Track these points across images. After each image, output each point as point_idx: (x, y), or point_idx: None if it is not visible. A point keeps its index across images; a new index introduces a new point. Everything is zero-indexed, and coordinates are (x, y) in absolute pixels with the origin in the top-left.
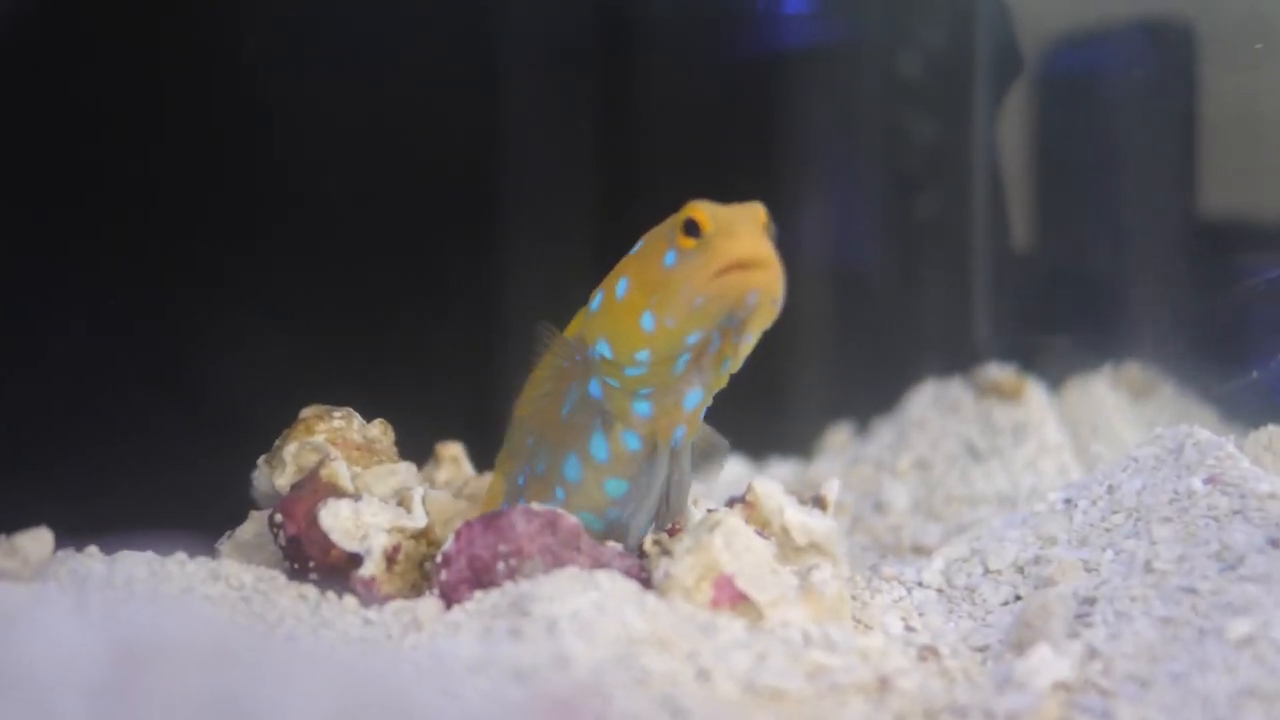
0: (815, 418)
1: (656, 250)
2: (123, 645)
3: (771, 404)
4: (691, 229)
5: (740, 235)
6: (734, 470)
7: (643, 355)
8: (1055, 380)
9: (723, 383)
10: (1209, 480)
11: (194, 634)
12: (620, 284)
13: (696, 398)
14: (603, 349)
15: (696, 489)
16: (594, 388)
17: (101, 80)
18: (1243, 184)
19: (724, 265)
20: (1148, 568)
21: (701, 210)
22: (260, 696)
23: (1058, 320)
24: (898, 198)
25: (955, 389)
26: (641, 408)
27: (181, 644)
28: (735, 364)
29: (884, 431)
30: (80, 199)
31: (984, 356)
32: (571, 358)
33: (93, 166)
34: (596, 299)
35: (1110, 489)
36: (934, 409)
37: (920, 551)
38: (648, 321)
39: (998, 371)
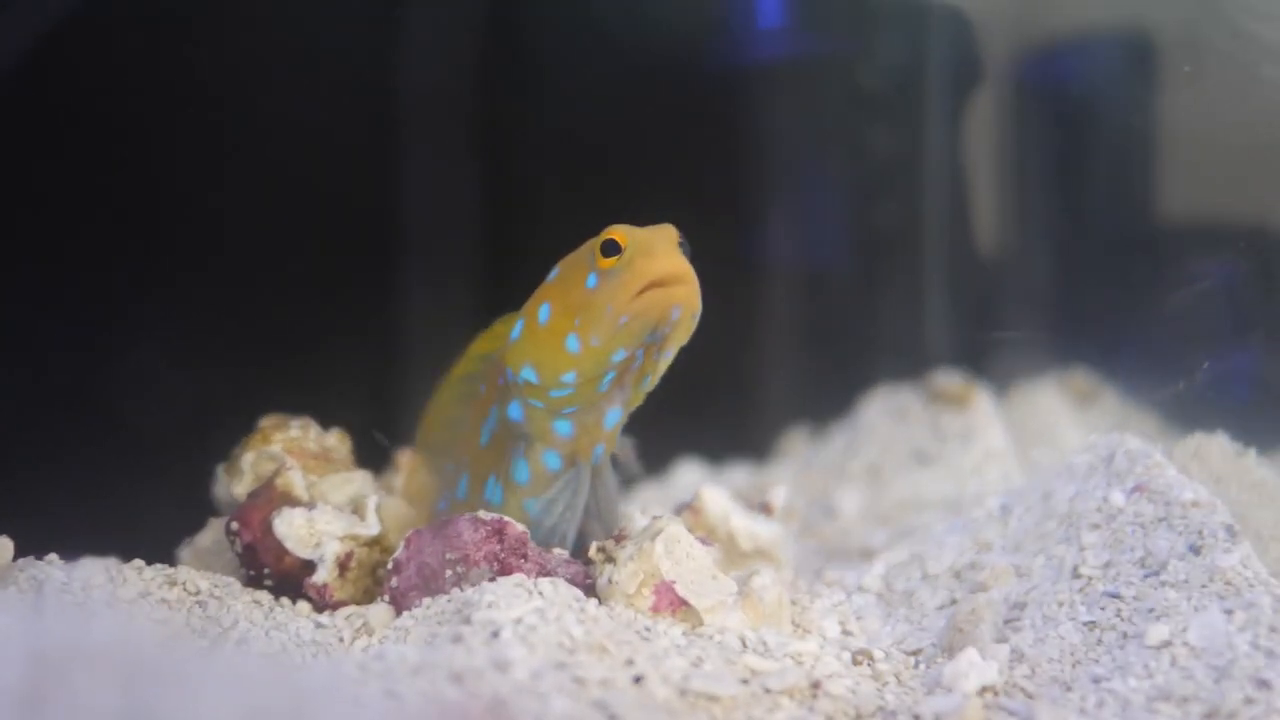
0: (773, 422)
1: (577, 275)
2: (41, 652)
3: (730, 408)
4: (609, 250)
5: (658, 254)
6: (691, 474)
7: (569, 377)
8: (1002, 386)
9: (640, 400)
10: (1137, 488)
11: (116, 640)
12: (542, 310)
13: (616, 416)
14: (528, 374)
15: (651, 494)
16: (514, 410)
17: (38, 94)
18: (1180, 194)
19: (646, 283)
20: (1075, 573)
21: (619, 232)
22: (172, 703)
23: (1006, 327)
24: (856, 206)
25: (906, 395)
26: (562, 427)
27: (101, 650)
28: (654, 381)
29: (837, 436)
30: (43, 206)
31: (935, 363)
32: (489, 381)
33: (52, 180)
34: (517, 326)
35: (1045, 496)
36: (885, 415)
37: (867, 556)
38: (573, 343)
39: (947, 378)
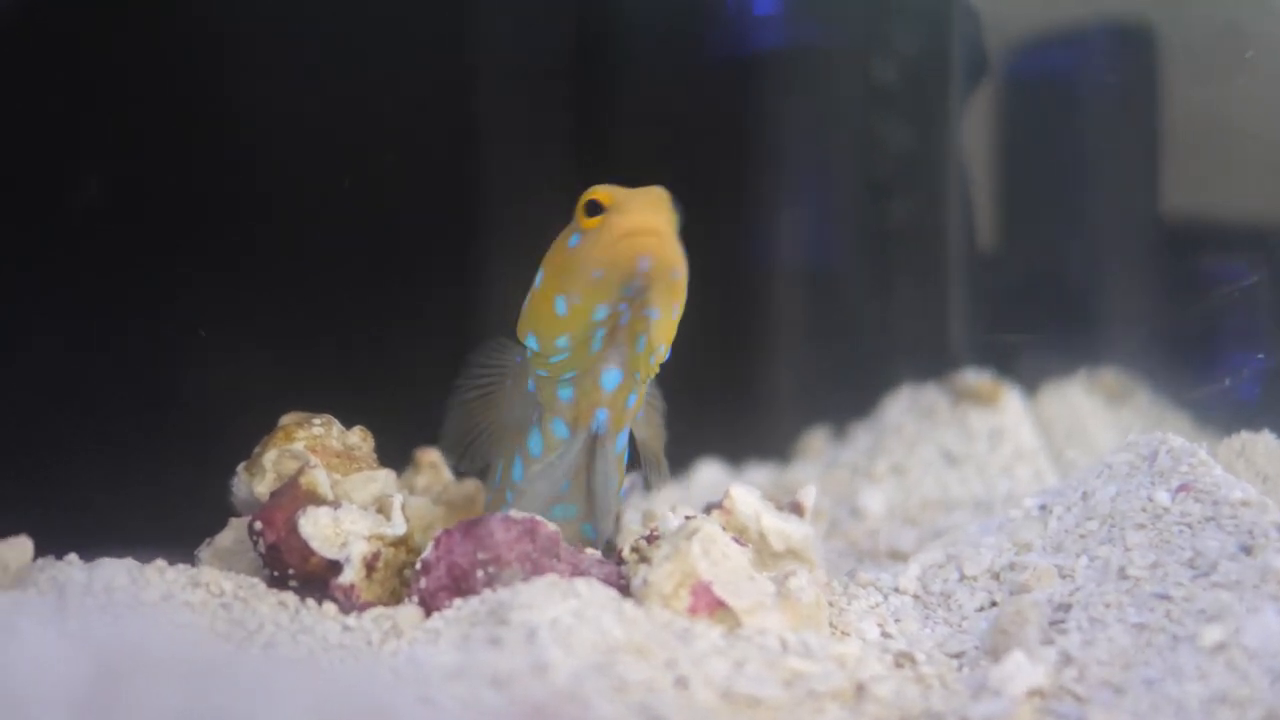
0: (793, 422)
1: (564, 237)
2: (103, 657)
3: (749, 408)
4: (593, 210)
5: (632, 210)
6: (712, 475)
7: (562, 341)
8: (1031, 385)
9: (641, 365)
10: (1182, 488)
11: (175, 645)
12: (537, 277)
13: (615, 378)
14: (530, 343)
15: (675, 494)
16: (530, 383)
17: (68, 87)
18: (1215, 190)
19: (616, 236)
20: (1122, 574)
21: (601, 191)
22: (240, 708)
23: (1034, 325)
24: (873, 202)
25: (931, 394)
26: (565, 393)
27: (162, 656)
28: (651, 342)
29: (861, 436)
30: (53, 208)
31: (960, 361)
32: (510, 362)
33: (67, 176)
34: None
35: (1085, 495)
36: (910, 414)
37: (896, 557)
38: (560, 305)
39: (974, 376)
